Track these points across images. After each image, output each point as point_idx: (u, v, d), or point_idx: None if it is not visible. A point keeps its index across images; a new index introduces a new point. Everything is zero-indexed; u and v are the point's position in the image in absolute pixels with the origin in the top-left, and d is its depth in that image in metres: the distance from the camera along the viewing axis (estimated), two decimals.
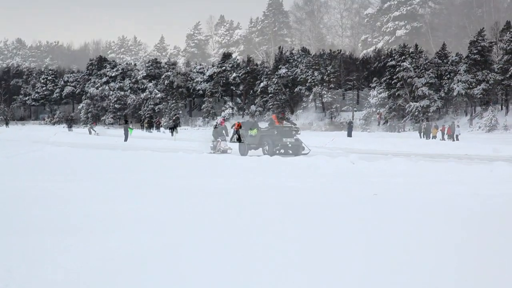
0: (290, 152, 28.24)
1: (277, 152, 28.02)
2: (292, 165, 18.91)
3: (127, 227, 8.37)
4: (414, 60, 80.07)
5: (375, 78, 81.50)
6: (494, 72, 74.70)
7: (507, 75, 73.44)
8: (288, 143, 28.15)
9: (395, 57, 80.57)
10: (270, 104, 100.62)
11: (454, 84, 76.34)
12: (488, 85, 74.42)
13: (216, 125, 33.08)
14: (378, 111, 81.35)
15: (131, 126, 55.48)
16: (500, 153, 29.18)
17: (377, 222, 8.89)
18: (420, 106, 77.06)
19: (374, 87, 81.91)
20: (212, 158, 23.32)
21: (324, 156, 22.14)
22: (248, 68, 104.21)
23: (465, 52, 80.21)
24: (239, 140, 30.05)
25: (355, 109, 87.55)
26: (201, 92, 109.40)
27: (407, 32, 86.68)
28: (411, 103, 78.55)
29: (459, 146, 37.56)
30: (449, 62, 79.75)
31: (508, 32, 73.40)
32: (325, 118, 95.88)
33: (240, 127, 30.91)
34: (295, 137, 28.57)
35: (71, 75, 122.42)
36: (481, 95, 75.32)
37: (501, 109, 75.04)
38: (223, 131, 32.18)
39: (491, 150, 31.57)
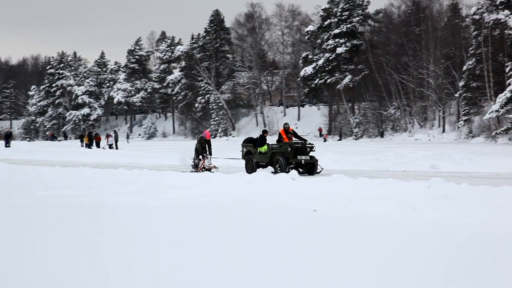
0: (301, 170, 25.48)
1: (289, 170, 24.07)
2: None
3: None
4: (73, 68, 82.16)
5: (33, 86, 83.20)
6: (152, 80, 76.61)
7: (164, 84, 75.69)
8: (303, 161, 25.60)
9: (54, 64, 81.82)
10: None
11: (114, 92, 78.12)
12: (146, 93, 76.32)
13: (199, 138, 28.68)
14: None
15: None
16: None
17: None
18: (81, 114, 78.68)
19: (32, 95, 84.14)
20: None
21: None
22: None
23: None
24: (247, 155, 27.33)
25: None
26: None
27: (347, 50, 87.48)
28: (71, 111, 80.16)
29: (122, 154, 44.11)
30: (108, 71, 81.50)
31: (164, 42, 75.24)
32: None
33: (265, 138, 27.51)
34: (310, 154, 26.15)
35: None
36: (140, 103, 77.31)
37: (160, 116, 76.66)
38: (207, 146, 28.14)
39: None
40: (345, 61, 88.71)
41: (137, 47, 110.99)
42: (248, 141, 28.20)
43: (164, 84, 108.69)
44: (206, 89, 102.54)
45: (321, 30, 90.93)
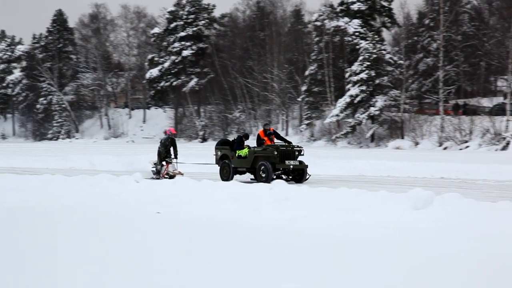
0: (285, 177, 22.63)
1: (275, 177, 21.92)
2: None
3: None
4: None
5: None
6: None
7: (4, 84, 78.02)
8: (291, 166, 22.44)
9: None
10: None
11: None
12: None
13: (164, 140, 24.87)
14: None
15: None
16: None
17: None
18: None
19: None
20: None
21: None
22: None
23: None
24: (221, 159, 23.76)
25: None
26: None
27: (193, 53, 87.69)
28: None
29: None
30: None
31: (3, 41, 77.58)
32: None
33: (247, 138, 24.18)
34: (298, 159, 22.90)
35: None
36: None
37: None
38: (171, 148, 24.42)
39: None
40: (191, 64, 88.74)
41: None
42: (223, 143, 24.92)
43: (4, 84, 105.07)
44: (49, 90, 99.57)
45: (167, 32, 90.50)
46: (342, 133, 65.39)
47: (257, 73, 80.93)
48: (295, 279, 7.03)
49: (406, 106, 63.96)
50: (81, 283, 6.99)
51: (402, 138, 61.67)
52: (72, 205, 14.28)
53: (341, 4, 71.46)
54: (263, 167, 22.07)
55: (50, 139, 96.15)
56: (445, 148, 55.48)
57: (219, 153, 24.11)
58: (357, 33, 68.16)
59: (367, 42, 63.89)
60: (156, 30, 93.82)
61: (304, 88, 73.31)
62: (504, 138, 51.62)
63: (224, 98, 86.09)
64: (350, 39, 69.02)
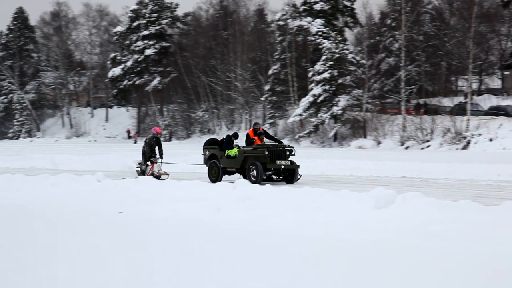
0: (275, 178, 22.18)
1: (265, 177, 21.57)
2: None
3: None
4: None
5: None
6: None
7: None
8: (282, 166, 21.79)
9: None
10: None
11: None
12: None
13: (149, 139, 24.00)
14: None
15: None
16: None
17: None
18: None
19: None
20: None
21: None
22: None
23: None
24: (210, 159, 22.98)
25: None
26: None
27: (156, 51, 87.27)
28: None
29: None
30: None
31: None
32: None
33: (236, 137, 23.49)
34: (289, 159, 22.27)
35: None
36: None
37: None
38: (157, 147, 23.72)
39: None
40: (154, 63, 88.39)
41: None
42: (211, 143, 23.90)
43: None
44: (9, 88, 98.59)
45: (130, 31, 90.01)
46: (305, 132, 65.66)
47: (220, 72, 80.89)
48: (256, 278, 7.04)
49: (369, 105, 64.41)
50: (31, 283, 6.93)
51: (365, 137, 62.12)
52: (32, 204, 14.14)
53: (304, 3, 71.80)
54: (253, 167, 21.39)
55: (11, 138, 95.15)
56: (407, 148, 56.03)
57: (207, 153, 23.34)
58: (320, 33, 68.48)
59: (330, 41, 64.25)
60: (119, 28, 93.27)
61: (267, 87, 73.46)
62: (465, 138, 52.29)
63: (187, 97, 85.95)
64: (313, 38, 69.31)
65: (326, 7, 70.49)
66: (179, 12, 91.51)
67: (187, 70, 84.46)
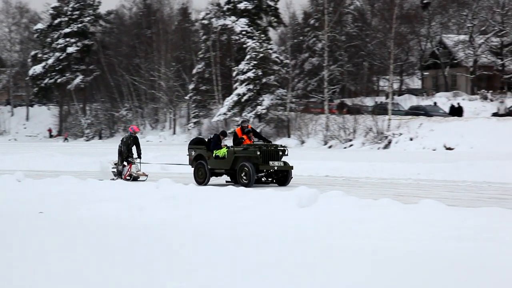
0: (265, 179, 21.22)
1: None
2: None
3: None
4: None
5: None
6: None
7: None
8: (276, 167, 20.63)
9: None
10: None
11: None
12: None
13: (126, 138, 22.82)
14: None
15: None
16: None
17: None
18: None
19: None
20: None
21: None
22: None
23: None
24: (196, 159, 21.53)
25: None
26: None
27: (78, 49, 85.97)
28: None
29: None
30: None
31: None
32: None
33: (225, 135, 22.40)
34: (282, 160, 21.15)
35: None
36: None
37: None
38: (134, 147, 22.49)
39: None
40: (76, 61, 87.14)
41: None
42: (197, 143, 22.68)
43: None
44: None
45: (51, 28, 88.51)
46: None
47: (144, 71, 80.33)
48: (178, 278, 7.02)
49: (292, 105, 64.86)
50: None
51: (289, 136, 62.53)
52: None
53: (228, 3, 71.87)
54: (245, 168, 20.01)
55: None
56: (330, 147, 56.62)
57: (193, 153, 21.80)
58: (244, 32, 68.72)
59: (254, 41, 64.45)
60: (40, 26, 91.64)
61: (191, 86, 73.25)
62: (386, 137, 53.16)
63: (111, 96, 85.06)
64: (237, 38, 69.49)
65: (250, 7, 70.76)
66: (102, 10, 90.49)
67: (110, 68, 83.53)
